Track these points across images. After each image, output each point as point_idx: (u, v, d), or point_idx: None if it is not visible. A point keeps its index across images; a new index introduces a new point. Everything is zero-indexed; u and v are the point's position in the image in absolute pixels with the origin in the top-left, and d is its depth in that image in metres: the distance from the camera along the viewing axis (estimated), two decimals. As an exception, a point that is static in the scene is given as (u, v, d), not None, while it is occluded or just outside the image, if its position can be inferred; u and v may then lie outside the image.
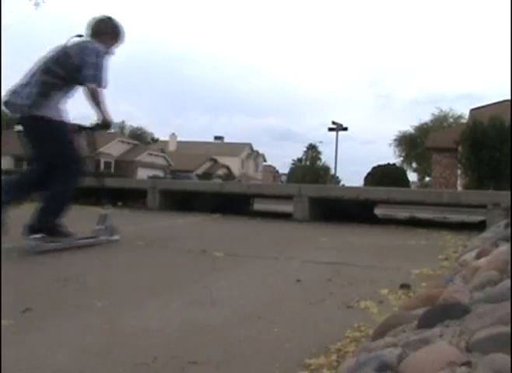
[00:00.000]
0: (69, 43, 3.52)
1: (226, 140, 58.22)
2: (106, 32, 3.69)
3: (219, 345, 1.64)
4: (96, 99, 3.40)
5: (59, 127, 3.47)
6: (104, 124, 3.52)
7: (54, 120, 3.42)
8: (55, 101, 3.46)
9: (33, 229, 3.30)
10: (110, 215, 3.84)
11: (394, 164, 30.14)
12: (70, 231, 3.56)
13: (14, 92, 3.44)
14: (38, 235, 3.27)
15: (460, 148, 19.32)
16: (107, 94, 3.45)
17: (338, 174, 35.75)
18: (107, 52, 3.65)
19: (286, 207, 7.10)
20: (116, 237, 3.84)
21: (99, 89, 3.41)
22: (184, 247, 3.84)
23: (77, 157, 3.56)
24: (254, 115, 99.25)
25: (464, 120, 30.41)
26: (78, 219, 4.05)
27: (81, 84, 3.45)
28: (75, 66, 3.41)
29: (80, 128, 3.67)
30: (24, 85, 3.41)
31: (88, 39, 3.62)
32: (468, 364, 0.84)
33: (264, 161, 63.32)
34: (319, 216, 6.39)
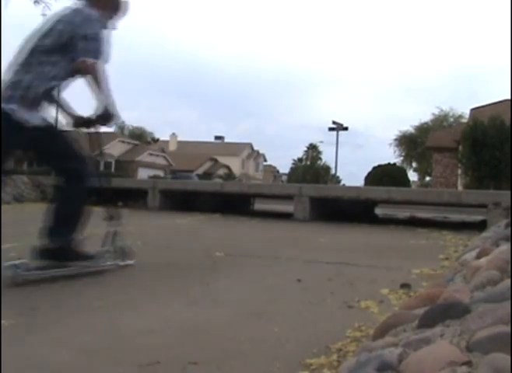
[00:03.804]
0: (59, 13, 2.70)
1: (226, 140, 58.20)
2: None
3: (220, 345, 1.64)
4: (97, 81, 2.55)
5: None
6: (105, 116, 2.66)
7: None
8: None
9: (44, 254, 2.56)
10: (119, 231, 2.85)
11: (394, 164, 30.07)
12: (87, 252, 2.74)
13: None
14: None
15: (460, 148, 19.29)
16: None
17: (338, 174, 35.74)
18: (104, 23, 2.76)
19: (287, 207, 7.10)
20: (130, 261, 2.91)
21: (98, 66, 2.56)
22: (184, 247, 3.83)
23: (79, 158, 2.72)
24: (254, 115, 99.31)
25: (464, 120, 30.38)
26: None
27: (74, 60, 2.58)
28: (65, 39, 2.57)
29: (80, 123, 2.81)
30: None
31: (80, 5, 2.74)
32: (468, 363, 0.84)
33: (265, 161, 63.31)
34: (319, 216, 6.38)
